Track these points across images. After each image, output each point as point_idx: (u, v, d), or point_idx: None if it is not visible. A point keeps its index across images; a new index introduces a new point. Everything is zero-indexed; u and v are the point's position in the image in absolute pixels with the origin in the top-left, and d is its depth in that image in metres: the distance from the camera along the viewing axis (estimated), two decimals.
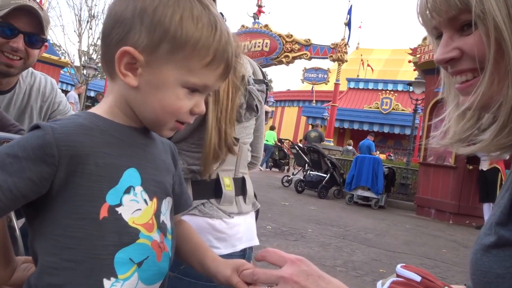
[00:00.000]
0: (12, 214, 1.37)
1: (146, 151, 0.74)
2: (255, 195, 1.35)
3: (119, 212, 0.67)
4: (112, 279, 0.65)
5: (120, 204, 0.67)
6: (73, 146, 0.64)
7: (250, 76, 1.25)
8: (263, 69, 1.41)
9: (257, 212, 1.36)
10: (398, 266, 0.93)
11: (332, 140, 14.77)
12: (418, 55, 9.22)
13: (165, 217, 0.75)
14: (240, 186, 1.26)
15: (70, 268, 0.64)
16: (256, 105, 1.24)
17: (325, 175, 9.76)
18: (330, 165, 9.83)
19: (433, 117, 9.02)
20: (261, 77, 1.33)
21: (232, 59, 0.72)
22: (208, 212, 1.15)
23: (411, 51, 9.64)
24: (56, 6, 23.37)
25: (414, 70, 10.90)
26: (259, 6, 16.32)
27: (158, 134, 0.76)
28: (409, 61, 10.22)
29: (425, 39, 9.43)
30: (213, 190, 1.18)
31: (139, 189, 0.70)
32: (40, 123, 0.64)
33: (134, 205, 0.69)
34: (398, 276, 0.91)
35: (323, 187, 9.57)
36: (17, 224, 1.36)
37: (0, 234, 0.69)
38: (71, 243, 0.64)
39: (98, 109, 0.73)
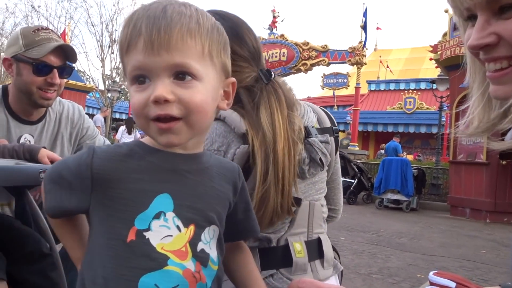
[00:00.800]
0: (52, 239, 1.41)
1: (188, 177, 0.73)
2: (338, 255, 1.24)
3: (147, 237, 0.67)
4: None
5: (148, 229, 0.67)
6: (105, 170, 0.68)
7: (312, 127, 1.15)
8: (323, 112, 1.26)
9: (341, 275, 1.23)
10: (431, 273, 0.89)
11: (357, 144, 14.56)
12: (439, 52, 9.04)
13: (207, 246, 0.73)
14: (316, 249, 1.13)
15: (103, 284, 0.66)
16: (321, 159, 1.12)
17: (353, 181, 9.62)
18: (357, 170, 9.69)
19: (460, 113, 8.81)
20: (328, 124, 1.21)
21: (152, 29, 0.65)
22: (277, 285, 1.03)
23: (431, 49, 9.47)
24: (79, 34, 24.16)
25: (436, 67, 10.67)
26: (274, 17, 16.42)
27: (157, 142, 0.70)
28: (430, 59, 10.03)
29: (445, 35, 9.25)
30: (283, 258, 1.06)
31: (170, 215, 0.69)
32: (90, 145, 0.71)
33: (164, 231, 0.68)
34: (431, 284, 0.87)
35: (351, 192, 9.43)
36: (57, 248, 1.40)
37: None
38: (104, 261, 0.67)
39: (146, 137, 0.74)
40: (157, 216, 0.68)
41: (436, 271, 0.94)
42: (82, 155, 0.70)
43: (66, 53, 1.70)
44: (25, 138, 1.75)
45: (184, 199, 0.71)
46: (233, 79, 0.77)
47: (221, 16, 1.09)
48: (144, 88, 0.66)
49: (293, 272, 1.06)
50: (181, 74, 0.66)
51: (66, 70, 1.73)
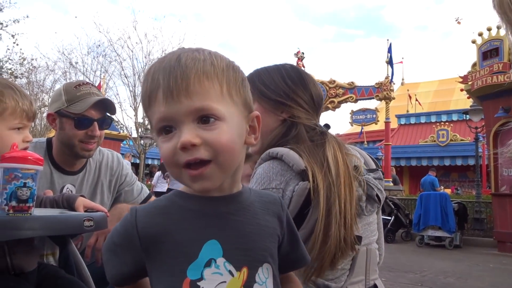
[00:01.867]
0: None
1: (231, 219, 0.72)
2: None
3: (201, 287, 0.66)
4: None
5: (201, 278, 0.66)
6: (150, 226, 0.69)
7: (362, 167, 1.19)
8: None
9: None
10: None
11: (391, 180, 14.19)
12: (469, 82, 8.88)
13: (264, 286, 0.72)
14: None
15: None
16: (377, 195, 1.15)
17: (389, 218, 9.28)
18: (393, 206, 9.38)
19: (498, 143, 8.49)
20: (373, 166, 1.25)
21: (170, 78, 0.67)
22: None
23: (461, 80, 9.33)
24: (113, 86, 25.39)
25: (468, 98, 10.47)
26: (299, 58, 16.74)
27: (192, 189, 0.72)
28: (461, 90, 9.86)
29: (474, 65, 9.13)
30: None
31: (221, 260, 0.68)
32: (132, 207, 0.72)
33: (218, 278, 0.67)
34: None
35: (389, 230, 9.08)
36: None
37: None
38: None
39: (183, 187, 0.74)
40: (208, 264, 0.67)
41: None
42: (127, 217, 0.71)
43: (105, 106, 1.77)
44: (67, 188, 1.81)
45: (232, 242, 0.70)
46: (257, 113, 0.77)
47: (292, 66, 1.27)
48: (171, 137, 0.68)
49: None
50: (204, 118, 0.67)
51: (106, 122, 1.80)
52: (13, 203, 1.02)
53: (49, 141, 1.85)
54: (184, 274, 0.66)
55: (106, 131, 1.94)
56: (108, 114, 1.80)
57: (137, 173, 14.25)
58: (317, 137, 1.15)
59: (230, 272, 0.68)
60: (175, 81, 0.66)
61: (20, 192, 1.02)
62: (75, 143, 1.72)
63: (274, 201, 0.82)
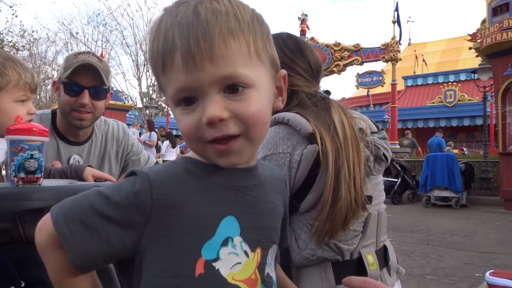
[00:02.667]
0: None
1: (249, 194, 0.65)
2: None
3: (216, 268, 0.59)
4: None
5: (217, 259, 0.59)
6: (166, 194, 0.58)
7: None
8: None
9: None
10: (487, 274, 0.85)
11: (398, 142, 14.16)
12: (478, 40, 8.66)
13: (270, 268, 0.67)
14: (382, 257, 1.17)
15: None
16: (384, 154, 1.17)
17: (396, 180, 9.34)
18: (399, 168, 9.41)
19: (507, 102, 8.37)
20: (374, 129, 1.26)
21: (189, 39, 0.56)
22: None
23: (470, 37, 9.09)
24: (115, 56, 25.15)
25: (477, 56, 10.24)
26: (302, 21, 16.36)
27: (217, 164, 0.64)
28: (470, 48, 9.63)
29: (484, 22, 8.88)
30: (357, 271, 1.08)
31: (238, 239, 0.61)
32: (137, 170, 0.59)
33: (233, 259, 0.61)
34: (489, 285, 0.82)
35: (395, 192, 9.16)
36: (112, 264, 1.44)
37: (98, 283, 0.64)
38: None
39: (192, 153, 0.65)
40: (225, 243, 0.60)
41: (492, 271, 0.89)
42: (136, 180, 0.58)
43: (99, 75, 1.73)
44: (74, 159, 1.82)
45: (249, 220, 0.63)
46: (284, 72, 0.68)
47: (288, 35, 1.25)
48: (192, 110, 0.58)
49: None
50: (232, 86, 0.57)
51: (100, 92, 1.74)
52: (22, 175, 1.03)
53: (53, 113, 1.85)
54: (198, 253, 0.58)
55: (111, 101, 1.92)
56: (103, 87, 1.75)
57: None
58: (320, 103, 1.16)
59: (246, 253, 0.62)
60: (197, 43, 0.55)
61: (28, 164, 1.03)
62: (67, 110, 1.71)
63: (281, 178, 0.77)
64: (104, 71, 1.75)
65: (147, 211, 0.56)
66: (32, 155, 1.04)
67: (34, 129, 1.05)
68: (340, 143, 1.04)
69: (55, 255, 0.58)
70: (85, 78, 1.70)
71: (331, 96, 1.26)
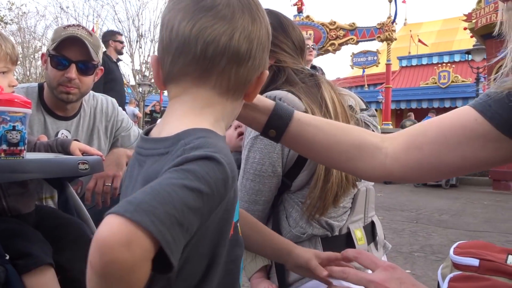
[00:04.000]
0: None
1: None
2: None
3: (238, 227, 0.69)
4: None
5: (238, 219, 0.69)
6: (235, 174, 0.59)
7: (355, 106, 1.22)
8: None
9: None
10: (451, 252, 0.85)
11: (391, 122, 14.21)
12: (473, 21, 8.62)
13: None
14: (370, 232, 1.19)
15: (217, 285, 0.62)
16: (373, 131, 1.16)
17: None
18: None
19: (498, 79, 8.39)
20: (363, 106, 1.26)
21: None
22: None
23: (465, 18, 9.04)
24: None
25: (471, 37, 10.20)
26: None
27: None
28: (465, 28, 9.59)
29: (479, 2, 8.80)
30: (345, 246, 1.09)
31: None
32: (211, 155, 0.54)
33: (236, 215, 0.70)
34: (454, 265, 0.83)
35: None
36: None
37: None
38: (217, 270, 0.61)
39: (207, 125, 0.64)
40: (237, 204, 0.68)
41: (456, 245, 0.89)
42: (216, 170, 0.54)
43: (88, 50, 1.68)
44: (62, 133, 1.80)
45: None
46: None
47: (269, 12, 1.20)
48: None
49: None
50: None
51: (88, 67, 1.70)
52: (4, 147, 1.01)
53: (40, 86, 1.81)
54: (232, 218, 0.64)
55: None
56: (91, 62, 1.71)
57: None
58: (308, 79, 1.15)
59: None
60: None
61: (10, 136, 1.01)
62: (54, 84, 1.68)
63: None
64: (94, 45, 1.70)
65: (226, 196, 0.57)
66: (14, 126, 1.02)
67: (16, 100, 1.03)
68: (331, 118, 1.04)
69: (147, 269, 0.48)
70: (72, 52, 1.66)
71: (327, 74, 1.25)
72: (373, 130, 1.17)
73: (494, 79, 0.75)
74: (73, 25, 1.74)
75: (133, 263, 0.46)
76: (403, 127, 13.59)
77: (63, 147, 1.39)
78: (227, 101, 0.67)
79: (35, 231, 1.23)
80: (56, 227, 1.31)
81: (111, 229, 0.46)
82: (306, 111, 1.05)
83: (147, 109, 13.72)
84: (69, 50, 1.65)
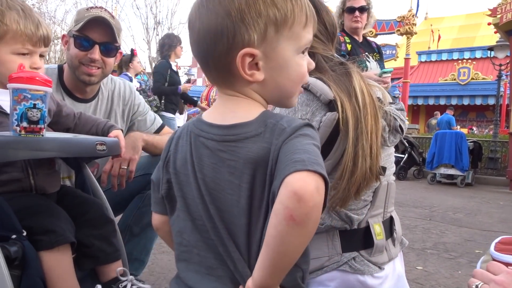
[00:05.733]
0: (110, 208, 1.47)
1: None
2: None
3: None
4: None
5: None
6: None
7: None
8: None
9: None
10: (492, 247, 0.85)
11: (407, 118, 14.01)
12: (498, 16, 8.37)
13: None
14: (388, 227, 1.17)
15: None
16: (400, 125, 1.16)
17: (403, 156, 9.28)
18: (407, 144, 9.34)
19: None
20: (391, 100, 1.24)
21: (313, 9, 0.78)
22: (359, 268, 1.05)
23: (490, 12, 8.79)
24: (125, 18, 24.82)
25: (495, 32, 9.93)
26: None
27: (289, 106, 0.82)
28: (489, 24, 9.32)
29: None
30: (363, 240, 1.09)
31: None
32: (306, 122, 0.71)
33: None
34: (494, 260, 0.83)
35: (401, 168, 9.12)
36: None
37: None
38: None
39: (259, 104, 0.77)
40: None
41: (498, 240, 0.89)
42: (314, 131, 0.72)
43: (112, 32, 1.70)
44: None
45: None
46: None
47: None
48: (304, 57, 0.78)
49: (373, 254, 1.09)
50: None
51: (111, 48, 1.72)
52: (24, 124, 1.02)
53: (60, 67, 1.83)
54: None
55: None
56: (114, 44, 1.72)
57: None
58: (337, 67, 1.12)
59: None
60: (315, 17, 0.79)
61: (31, 113, 1.02)
62: (76, 64, 1.69)
63: None
64: (116, 28, 1.72)
65: None
66: (35, 104, 1.02)
67: (37, 78, 1.03)
68: (359, 110, 1.02)
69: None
70: (96, 33, 1.67)
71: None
72: (400, 125, 1.15)
73: None
74: (96, 7, 1.75)
75: (322, 204, 0.61)
76: (429, 126, 13.34)
77: (103, 132, 1.44)
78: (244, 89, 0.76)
79: (61, 209, 1.24)
80: (75, 205, 1.33)
81: (305, 180, 0.59)
82: (334, 99, 1.03)
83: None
84: (93, 31, 1.66)
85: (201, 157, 0.74)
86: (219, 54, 0.71)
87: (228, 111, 0.76)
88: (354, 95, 1.04)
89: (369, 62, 2.27)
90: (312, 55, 1.13)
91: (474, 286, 0.76)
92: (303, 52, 0.77)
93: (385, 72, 2.26)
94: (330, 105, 1.04)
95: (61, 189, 1.40)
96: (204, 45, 0.73)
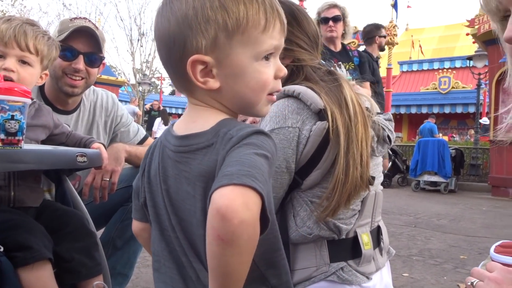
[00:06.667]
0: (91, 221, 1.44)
1: None
2: None
3: None
4: None
5: None
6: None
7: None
8: None
9: None
10: (492, 249, 0.87)
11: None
12: (476, 26, 8.62)
13: None
14: (376, 237, 1.17)
15: None
16: (388, 136, 1.16)
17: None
18: (390, 152, 9.45)
19: (500, 90, 8.39)
20: (378, 110, 1.24)
21: (281, 10, 0.72)
22: (347, 278, 1.05)
23: (468, 23, 9.04)
24: (109, 30, 24.74)
25: (474, 42, 10.20)
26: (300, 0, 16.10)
27: (258, 116, 0.78)
28: (467, 34, 9.59)
29: None
30: (351, 250, 1.09)
31: None
32: (258, 129, 0.66)
33: None
34: (493, 261, 0.84)
35: (385, 175, 9.20)
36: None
37: None
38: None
39: (225, 115, 0.74)
40: None
41: (499, 243, 0.91)
42: (272, 143, 0.67)
43: (97, 42, 1.69)
44: None
45: None
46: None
47: (281, 2, 1.15)
48: (270, 63, 0.72)
49: (361, 263, 1.08)
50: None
51: (95, 58, 1.70)
52: (2, 136, 0.99)
53: None
54: None
55: (104, 76, 1.89)
56: (99, 54, 1.71)
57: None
58: (327, 77, 1.13)
59: None
60: (284, 17, 0.73)
61: (8, 125, 0.99)
62: (59, 74, 1.66)
63: None
64: (101, 38, 1.71)
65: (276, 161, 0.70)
66: (13, 116, 1.00)
67: (15, 89, 1.01)
68: (350, 119, 1.03)
69: (258, 225, 0.57)
70: (81, 43, 1.66)
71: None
72: (388, 135, 1.15)
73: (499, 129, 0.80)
74: (80, 17, 1.74)
75: (254, 220, 0.54)
76: (422, 132, 13.47)
77: (85, 145, 1.43)
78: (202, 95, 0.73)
79: (37, 224, 1.21)
80: (55, 218, 1.29)
81: (228, 196, 0.53)
82: (324, 109, 1.02)
83: (146, 107, 13.79)
84: (77, 42, 1.65)
85: (166, 167, 0.73)
86: (174, 61, 0.70)
87: (191, 120, 0.74)
88: (345, 105, 1.05)
89: (340, 71, 2.32)
90: (300, 67, 1.14)
91: (469, 283, 0.78)
92: (267, 58, 0.71)
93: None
94: (320, 114, 1.04)
95: (40, 202, 1.36)
96: (162, 52, 0.72)
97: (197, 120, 0.73)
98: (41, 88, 1.77)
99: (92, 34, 1.65)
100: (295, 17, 1.17)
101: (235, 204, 0.53)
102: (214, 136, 0.67)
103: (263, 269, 0.68)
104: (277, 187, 1.04)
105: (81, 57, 1.66)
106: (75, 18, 1.71)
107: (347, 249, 1.08)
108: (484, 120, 13.29)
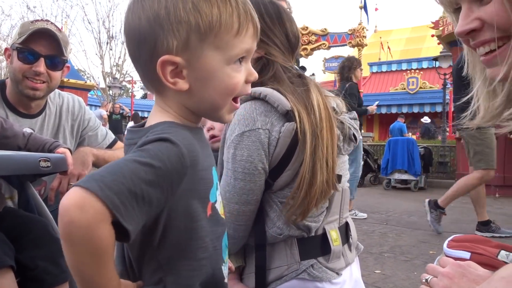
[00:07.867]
0: None
1: (208, 147, 0.79)
2: None
3: (217, 207, 0.75)
4: (223, 264, 0.76)
5: (216, 201, 0.74)
6: (192, 155, 0.66)
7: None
8: None
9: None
10: (445, 245, 0.91)
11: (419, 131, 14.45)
12: (441, 28, 8.91)
13: None
14: (344, 233, 1.18)
15: (204, 265, 0.70)
16: (354, 134, 1.17)
17: None
18: (362, 152, 9.63)
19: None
20: (344, 109, 1.25)
21: (255, 14, 0.72)
22: (318, 275, 1.06)
23: (433, 25, 9.33)
24: (76, 33, 24.18)
25: (439, 43, 10.53)
26: None
27: (220, 121, 0.77)
28: (432, 35, 9.90)
29: None
30: (321, 247, 1.10)
31: (217, 184, 0.77)
32: (162, 135, 0.63)
33: (219, 198, 0.77)
34: (446, 257, 0.87)
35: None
36: None
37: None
38: (201, 244, 0.70)
39: (173, 118, 0.72)
40: (216, 187, 0.76)
41: (451, 238, 0.94)
42: (170, 148, 0.62)
43: (59, 44, 1.65)
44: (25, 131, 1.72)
45: (216, 167, 0.79)
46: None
47: (271, 1, 1.19)
48: (241, 67, 0.71)
49: (330, 260, 1.09)
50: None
51: (57, 61, 1.66)
52: None
53: (2, 82, 1.74)
54: (208, 199, 0.72)
55: (72, 80, 1.84)
56: (61, 57, 1.67)
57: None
58: (296, 80, 1.13)
59: (220, 194, 0.79)
60: (256, 20, 0.72)
61: None
62: (19, 78, 1.62)
63: None
64: (63, 41, 1.67)
65: (185, 173, 0.65)
66: None
67: None
68: (316, 123, 1.03)
69: (105, 231, 0.56)
70: (41, 45, 1.61)
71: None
72: (354, 133, 1.17)
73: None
74: (41, 20, 1.69)
75: (87, 223, 0.54)
76: (392, 132, 13.78)
77: (49, 150, 1.37)
78: (168, 95, 0.72)
79: None
80: (17, 225, 1.25)
81: (68, 196, 0.55)
82: (291, 110, 1.03)
83: (108, 110, 13.51)
84: (38, 44, 1.60)
85: None
86: (144, 60, 0.69)
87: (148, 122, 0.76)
88: (312, 110, 1.05)
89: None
90: (272, 62, 1.14)
91: (424, 280, 0.80)
92: (239, 62, 0.71)
93: None
94: (288, 116, 1.04)
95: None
96: (131, 49, 0.70)
97: (149, 119, 0.74)
98: (2, 91, 1.71)
99: (53, 36, 1.60)
100: (279, 15, 1.18)
101: (69, 203, 0.54)
102: (142, 136, 0.67)
103: (161, 275, 0.67)
104: (256, 190, 1.05)
105: (42, 60, 1.61)
106: (37, 21, 1.66)
107: (316, 246, 1.09)
108: (425, 119, 13.78)
